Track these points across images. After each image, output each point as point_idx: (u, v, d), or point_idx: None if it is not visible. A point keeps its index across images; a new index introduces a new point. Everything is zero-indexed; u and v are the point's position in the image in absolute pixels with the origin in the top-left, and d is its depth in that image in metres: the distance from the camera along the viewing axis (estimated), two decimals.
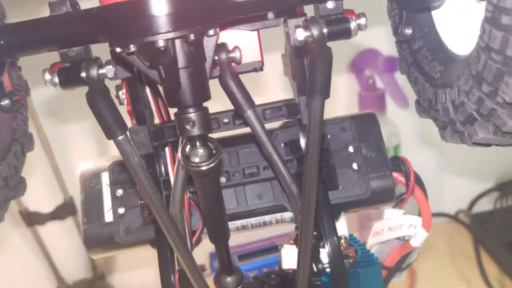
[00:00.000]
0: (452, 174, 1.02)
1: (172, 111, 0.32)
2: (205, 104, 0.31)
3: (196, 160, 0.30)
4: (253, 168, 0.41)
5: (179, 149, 0.31)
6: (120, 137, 0.30)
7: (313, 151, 0.31)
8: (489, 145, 0.31)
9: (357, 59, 0.94)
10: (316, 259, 0.38)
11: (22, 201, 0.85)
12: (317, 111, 0.30)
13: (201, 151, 0.30)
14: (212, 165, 0.30)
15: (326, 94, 0.30)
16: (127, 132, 0.30)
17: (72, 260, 0.96)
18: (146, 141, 0.40)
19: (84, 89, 0.31)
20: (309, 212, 0.33)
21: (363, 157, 0.41)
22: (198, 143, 0.30)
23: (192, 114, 0.30)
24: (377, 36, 0.89)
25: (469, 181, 1.02)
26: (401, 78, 0.93)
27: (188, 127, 0.30)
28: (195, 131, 0.30)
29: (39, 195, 0.87)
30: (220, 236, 0.38)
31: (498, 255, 0.90)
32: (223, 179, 0.41)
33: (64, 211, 0.86)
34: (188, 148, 0.31)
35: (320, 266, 0.38)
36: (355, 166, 0.41)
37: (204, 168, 0.30)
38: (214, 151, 0.31)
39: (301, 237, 0.34)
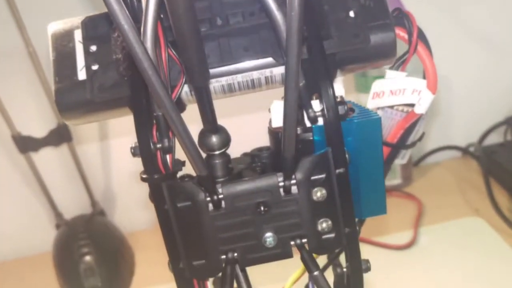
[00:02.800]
0: (462, 109, 0.99)
1: None
2: None
3: None
4: (238, 16, 0.37)
5: None
6: None
7: None
8: None
9: None
10: (307, 108, 0.35)
11: (15, 125, 0.81)
12: None
13: None
14: None
15: None
16: None
17: (70, 194, 0.93)
18: None
19: None
20: (295, 40, 0.29)
21: (361, 5, 0.37)
22: None
23: None
24: None
25: (478, 115, 0.99)
26: None
27: None
28: None
29: (31, 118, 0.83)
30: (198, 75, 0.34)
31: (509, 184, 0.86)
32: (203, 28, 0.37)
33: (58, 136, 0.83)
34: None
35: (311, 114, 0.34)
36: (351, 13, 0.37)
37: None
38: None
39: (287, 75, 0.30)
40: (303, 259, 0.35)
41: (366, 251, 0.83)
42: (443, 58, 0.94)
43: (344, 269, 0.38)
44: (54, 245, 0.88)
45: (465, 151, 0.97)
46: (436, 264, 0.76)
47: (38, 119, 0.85)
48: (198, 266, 0.35)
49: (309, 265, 0.35)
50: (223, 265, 0.35)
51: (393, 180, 0.94)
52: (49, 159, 0.88)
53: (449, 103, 0.98)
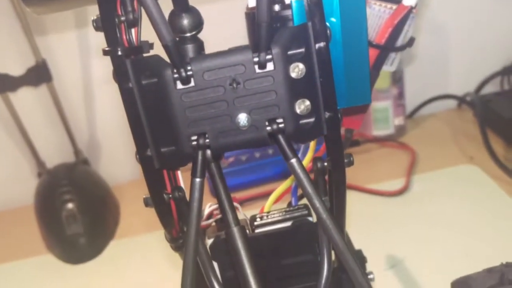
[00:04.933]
0: (459, 59, 0.96)
1: None
2: None
3: None
4: None
5: None
6: None
7: None
8: None
9: None
10: None
11: None
12: None
13: None
14: None
15: None
16: None
17: (52, 142, 0.90)
18: None
19: None
20: None
21: None
22: None
23: None
24: None
25: (475, 65, 0.96)
26: None
27: None
28: None
29: (8, 55, 0.79)
30: None
31: (504, 132, 0.84)
32: None
33: (36, 75, 0.79)
34: None
35: None
36: None
37: None
38: None
39: None
40: (279, 145, 0.32)
41: (357, 198, 0.80)
42: (441, 5, 0.92)
43: (325, 164, 0.35)
44: (35, 194, 0.85)
45: (461, 100, 0.95)
46: (430, 209, 0.73)
47: (14, 56, 0.81)
48: (167, 153, 0.33)
49: (286, 151, 0.32)
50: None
51: (386, 130, 0.91)
52: (29, 102, 0.85)
53: (445, 52, 0.95)
